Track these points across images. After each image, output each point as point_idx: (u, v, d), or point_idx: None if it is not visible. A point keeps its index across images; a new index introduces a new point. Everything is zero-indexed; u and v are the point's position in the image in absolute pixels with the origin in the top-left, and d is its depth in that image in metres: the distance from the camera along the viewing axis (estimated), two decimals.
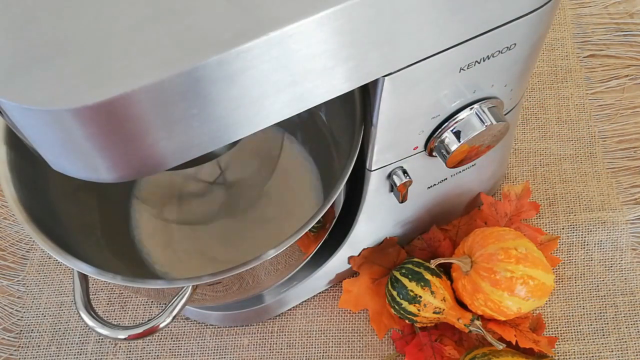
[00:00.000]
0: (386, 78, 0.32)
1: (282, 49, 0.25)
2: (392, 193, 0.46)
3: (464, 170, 0.49)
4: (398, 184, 0.43)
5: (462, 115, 0.38)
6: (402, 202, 0.45)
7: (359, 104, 0.38)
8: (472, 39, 0.32)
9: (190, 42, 0.24)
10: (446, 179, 0.49)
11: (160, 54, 0.23)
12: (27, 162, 0.40)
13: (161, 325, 0.37)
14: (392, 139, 0.39)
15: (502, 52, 0.35)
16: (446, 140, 0.39)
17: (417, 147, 0.41)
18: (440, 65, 0.33)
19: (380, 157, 0.41)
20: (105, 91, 0.23)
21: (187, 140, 0.27)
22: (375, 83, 0.33)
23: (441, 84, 0.35)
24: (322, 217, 0.38)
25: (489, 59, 0.35)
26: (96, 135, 0.24)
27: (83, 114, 0.23)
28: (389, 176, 0.44)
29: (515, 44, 0.35)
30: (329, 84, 0.29)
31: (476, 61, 0.35)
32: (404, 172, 0.43)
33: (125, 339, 0.37)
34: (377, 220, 0.50)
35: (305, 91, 0.28)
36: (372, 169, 0.42)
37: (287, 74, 0.27)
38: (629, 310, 0.54)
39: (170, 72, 0.23)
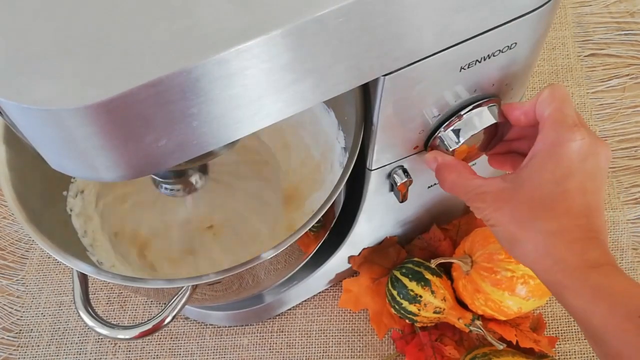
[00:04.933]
0: (386, 77, 0.32)
1: (282, 48, 0.25)
2: (392, 192, 0.46)
3: None
4: (398, 184, 0.43)
5: (463, 114, 0.38)
6: (402, 201, 0.45)
7: (359, 104, 0.38)
8: (472, 38, 0.32)
9: (189, 41, 0.24)
10: None
11: (159, 53, 0.23)
12: (27, 162, 0.40)
13: (166, 321, 0.37)
14: (392, 138, 0.39)
15: (502, 52, 0.35)
16: (447, 140, 0.39)
17: (418, 146, 0.41)
18: (440, 64, 0.33)
19: (380, 156, 0.40)
20: (104, 90, 0.23)
21: (187, 140, 0.27)
22: (375, 82, 0.33)
23: (441, 83, 0.35)
24: (322, 217, 0.38)
25: (489, 58, 0.35)
26: (96, 134, 0.24)
27: (82, 114, 0.23)
28: (389, 175, 0.43)
29: (515, 43, 0.35)
30: (329, 83, 0.29)
31: (477, 60, 0.34)
32: (404, 171, 0.43)
33: (132, 338, 0.37)
34: (377, 220, 0.50)
35: (305, 90, 0.28)
36: (372, 168, 0.42)
37: (287, 73, 0.27)
38: None
39: (169, 71, 0.23)
